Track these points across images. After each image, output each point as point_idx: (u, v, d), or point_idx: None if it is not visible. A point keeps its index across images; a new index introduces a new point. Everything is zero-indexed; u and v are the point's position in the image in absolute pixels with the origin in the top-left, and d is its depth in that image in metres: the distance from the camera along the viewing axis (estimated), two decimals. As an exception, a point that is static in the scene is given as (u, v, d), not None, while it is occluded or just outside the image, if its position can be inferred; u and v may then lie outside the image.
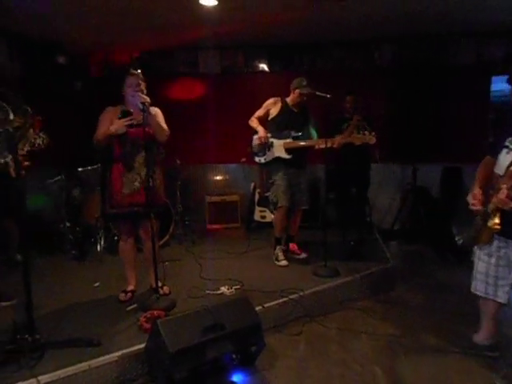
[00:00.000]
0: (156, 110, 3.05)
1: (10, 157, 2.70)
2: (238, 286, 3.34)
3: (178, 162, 5.02)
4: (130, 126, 2.92)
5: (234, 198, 5.67)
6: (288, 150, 3.84)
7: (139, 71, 2.99)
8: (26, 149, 2.89)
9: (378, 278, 3.73)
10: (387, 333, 2.96)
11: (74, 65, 5.67)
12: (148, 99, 2.87)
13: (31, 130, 2.84)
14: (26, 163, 2.94)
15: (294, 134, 3.84)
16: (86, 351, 2.38)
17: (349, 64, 5.64)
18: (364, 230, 4.87)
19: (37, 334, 2.38)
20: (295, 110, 3.93)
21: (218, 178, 6.10)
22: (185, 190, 5.29)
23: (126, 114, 2.93)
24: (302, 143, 3.84)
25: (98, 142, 2.94)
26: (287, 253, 4.07)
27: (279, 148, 3.86)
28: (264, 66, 5.90)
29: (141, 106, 2.82)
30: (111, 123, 2.93)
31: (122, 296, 3.14)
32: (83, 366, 2.24)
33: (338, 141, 3.70)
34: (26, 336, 2.36)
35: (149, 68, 5.74)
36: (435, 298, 3.55)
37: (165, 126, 3.06)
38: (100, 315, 2.90)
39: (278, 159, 3.87)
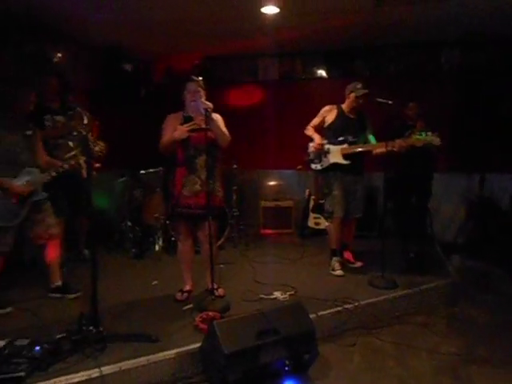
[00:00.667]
0: (217, 116, 3.12)
1: (84, 159, 2.88)
2: (291, 292, 3.33)
3: (235, 166, 5.11)
4: (192, 130, 3.01)
5: (289, 203, 5.67)
6: (345, 156, 3.78)
7: (200, 78, 3.07)
8: (84, 158, 3.07)
9: (440, 293, 3.56)
10: (449, 351, 2.81)
11: (138, 71, 5.95)
12: (211, 105, 2.94)
13: (89, 135, 3.00)
14: (97, 165, 3.13)
15: (350, 139, 3.78)
16: (144, 346, 2.47)
17: (413, 69, 5.45)
18: (424, 241, 4.66)
19: (100, 327, 2.51)
20: (351, 116, 3.87)
21: (273, 183, 6.12)
22: (240, 194, 5.36)
23: (188, 119, 3.03)
24: (360, 148, 3.76)
25: (164, 149, 3.06)
26: (342, 263, 3.98)
27: (336, 154, 3.81)
28: (322, 72, 5.86)
29: (203, 112, 2.90)
30: (174, 129, 3.04)
31: (178, 295, 3.23)
32: (142, 360, 2.33)
33: (398, 143, 3.57)
34: (91, 328, 2.49)
35: (209, 75, 5.91)
36: (502, 317, 3.32)
37: (226, 131, 3.13)
38: (157, 313, 3.00)
39: (335, 166, 3.82)
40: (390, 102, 3.50)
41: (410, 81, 5.33)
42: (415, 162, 4.37)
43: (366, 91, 3.71)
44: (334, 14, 4.14)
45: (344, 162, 3.79)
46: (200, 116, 3.01)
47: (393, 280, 3.51)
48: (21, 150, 3.02)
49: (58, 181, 3.12)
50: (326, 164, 3.88)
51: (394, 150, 3.58)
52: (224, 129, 3.13)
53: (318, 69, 5.86)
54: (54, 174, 3.07)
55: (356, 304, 3.11)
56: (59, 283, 3.31)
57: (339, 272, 3.80)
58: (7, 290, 3.33)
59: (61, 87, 3.91)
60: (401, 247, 4.34)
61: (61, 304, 3.18)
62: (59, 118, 3.78)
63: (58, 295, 3.29)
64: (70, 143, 3.60)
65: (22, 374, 2.11)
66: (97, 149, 3.10)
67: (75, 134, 3.39)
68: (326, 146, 3.85)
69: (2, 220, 2.93)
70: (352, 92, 3.79)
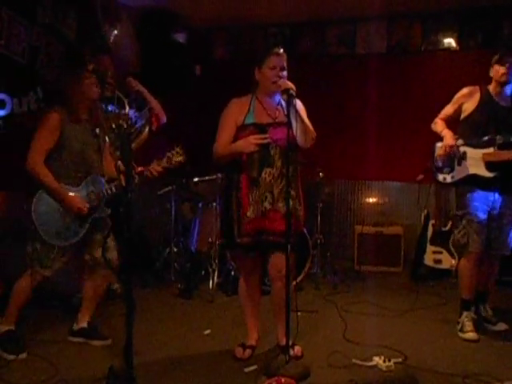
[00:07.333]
0: (298, 103, 3.15)
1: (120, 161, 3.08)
2: (398, 359, 3.25)
3: (321, 175, 5.13)
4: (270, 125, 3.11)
5: (396, 230, 5.61)
6: (490, 165, 3.65)
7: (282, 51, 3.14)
8: (162, 165, 3.27)
9: None
10: None
11: (193, 44, 6.22)
12: (293, 86, 2.97)
13: (147, 129, 3.15)
14: (140, 169, 3.31)
15: (500, 139, 3.64)
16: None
17: None
18: None
19: (136, 387, 2.63)
20: (502, 103, 3.73)
21: (374, 200, 6.06)
22: (327, 214, 5.37)
23: (261, 129, 3.10)
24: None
25: (219, 158, 3.20)
26: (478, 321, 3.84)
27: (476, 161, 3.68)
28: (451, 42, 5.76)
29: (284, 98, 2.95)
30: (235, 125, 3.15)
31: (238, 351, 3.28)
32: None
33: None
34: (124, 388, 2.62)
35: (289, 47, 6.02)
36: None
37: (310, 125, 3.17)
38: (210, 373, 3.08)
39: (473, 178, 3.70)
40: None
41: None
42: None
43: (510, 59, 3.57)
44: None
45: (487, 174, 3.65)
46: (277, 105, 3.09)
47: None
48: (88, 151, 3.37)
49: None
50: (460, 175, 3.77)
51: None
52: (308, 122, 3.17)
53: (447, 36, 5.76)
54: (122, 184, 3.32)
55: (498, 385, 2.98)
56: (85, 324, 3.53)
57: (471, 335, 3.65)
58: (23, 326, 3.55)
59: (115, 69, 4.24)
60: None
61: (84, 352, 3.38)
62: (112, 107, 4.06)
63: (80, 339, 3.50)
64: (106, 138, 3.86)
65: None
66: (176, 159, 3.26)
67: (113, 126, 3.61)
68: (462, 149, 3.74)
69: (55, 238, 3.22)
70: (495, 63, 3.66)
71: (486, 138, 3.67)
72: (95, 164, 3.41)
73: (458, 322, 3.78)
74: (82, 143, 3.34)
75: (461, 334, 3.71)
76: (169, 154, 3.28)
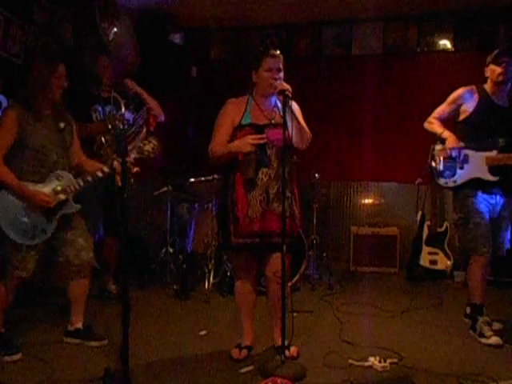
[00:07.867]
0: (294, 105, 3.17)
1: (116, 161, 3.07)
2: (394, 360, 3.25)
3: (317, 176, 5.15)
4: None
5: (392, 231, 5.63)
6: (493, 169, 3.63)
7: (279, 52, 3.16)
8: (133, 155, 3.25)
9: None
10: None
11: (189, 45, 6.22)
12: (289, 87, 2.99)
13: (145, 130, 3.14)
14: (136, 169, 3.30)
15: (503, 142, 3.59)
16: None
17: None
18: None
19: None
20: (500, 103, 3.70)
21: (370, 201, 6.07)
22: (323, 215, 5.38)
23: (258, 130, 3.11)
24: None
25: (215, 158, 3.20)
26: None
27: (478, 165, 3.65)
28: (446, 43, 5.78)
29: (280, 100, 2.97)
30: (233, 124, 3.16)
31: (234, 352, 3.29)
32: None
33: None
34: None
35: (285, 49, 6.02)
36: None
37: (306, 126, 3.19)
38: (206, 374, 3.08)
39: (476, 182, 3.67)
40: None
41: None
42: None
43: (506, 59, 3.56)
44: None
45: (491, 177, 3.63)
46: (273, 107, 3.13)
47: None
48: (52, 147, 3.29)
49: (93, 189, 3.34)
50: (463, 179, 3.71)
51: None
52: (304, 123, 3.20)
53: (442, 38, 5.79)
54: (89, 179, 3.30)
55: (493, 385, 2.98)
56: (79, 325, 3.52)
57: (495, 339, 3.52)
58: (17, 328, 3.58)
59: (113, 69, 4.25)
60: None
61: (80, 353, 3.36)
62: (110, 108, 4.07)
63: (76, 341, 3.49)
64: (103, 139, 3.86)
65: None
66: (147, 148, 3.23)
67: (110, 127, 3.62)
68: (463, 152, 3.70)
69: (22, 237, 3.17)
70: (490, 63, 3.65)
71: (488, 140, 3.63)
72: (60, 160, 3.33)
73: (475, 329, 3.66)
74: (44, 140, 3.27)
75: (483, 340, 3.57)
76: (140, 144, 3.25)
